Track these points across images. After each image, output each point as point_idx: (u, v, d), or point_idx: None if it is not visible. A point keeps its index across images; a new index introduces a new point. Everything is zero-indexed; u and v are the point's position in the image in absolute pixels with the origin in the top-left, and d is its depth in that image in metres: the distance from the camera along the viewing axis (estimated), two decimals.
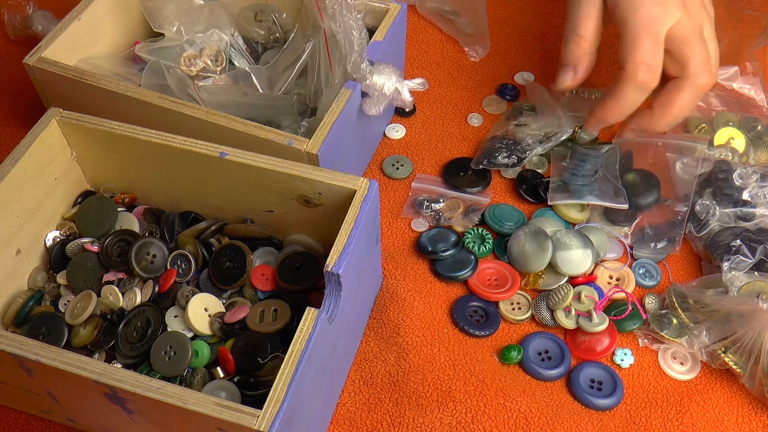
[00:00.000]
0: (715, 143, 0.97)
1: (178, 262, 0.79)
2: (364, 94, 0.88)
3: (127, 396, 0.64)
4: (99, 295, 0.78)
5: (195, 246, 0.81)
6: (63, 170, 0.84)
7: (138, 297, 0.78)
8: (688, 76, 0.85)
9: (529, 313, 0.86)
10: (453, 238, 0.90)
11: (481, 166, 0.96)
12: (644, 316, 0.84)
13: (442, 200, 0.95)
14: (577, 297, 0.84)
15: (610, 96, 0.88)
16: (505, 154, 0.95)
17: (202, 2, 1.00)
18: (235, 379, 0.73)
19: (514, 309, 0.86)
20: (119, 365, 0.74)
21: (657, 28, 0.83)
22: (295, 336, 0.64)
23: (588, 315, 0.83)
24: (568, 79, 0.91)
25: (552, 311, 0.85)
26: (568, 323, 0.83)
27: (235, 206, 0.83)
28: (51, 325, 0.76)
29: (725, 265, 0.84)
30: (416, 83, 0.92)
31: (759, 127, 0.98)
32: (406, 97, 0.90)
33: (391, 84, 0.87)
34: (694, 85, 0.86)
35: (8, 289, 0.79)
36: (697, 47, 0.84)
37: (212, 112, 0.83)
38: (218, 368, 0.74)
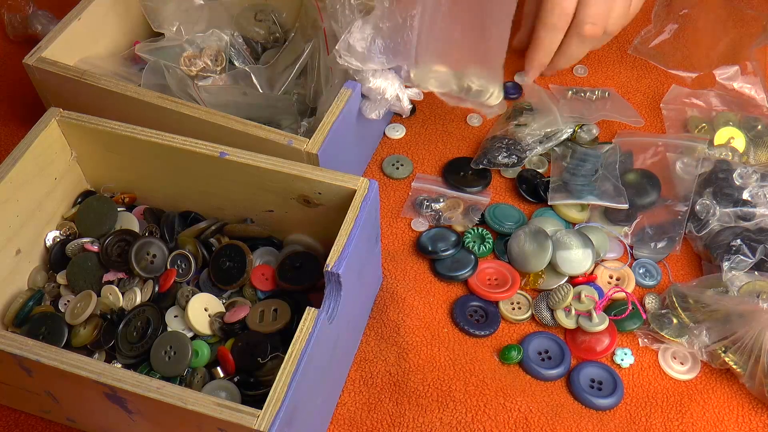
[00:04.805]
0: (716, 143, 0.97)
1: (178, 262, 0.79)
2: (363, 96, 0.88)
3: (127, 396, 0.64)
4: (99, 295, 0.78)
5: (195, 246, 0.81)
6: (63, 170, 0.84)
7: (138, 297, 0.78)
8: (574, 25, 0.96)
9: (529, 313, 0.86)
10: (453, 238, 0.90)
11: (481, 166, 0.96)
12: (644, 316, 0.84)
13: (442, 200, 0.95)
14: (577, 297, 0.84)
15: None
16: (505, 154, 0.95)
17: (202, 2, 1.00)
18: (235, 379, 0.73)
19: (514, 309, 0.86)
20: (119, 365, 0.74)
21: None
22: (295, 336, 0.64)
23: (588, 315, 0.83)
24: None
25: (552, 311, 0.85)
26: (568, 323, 0.83)
27: (235, 206, 0.83)
28: (51, 325, 0.76)
29: (725, 264, 0.84)
30: (414, 92, 0.91)
31: (759, 127, 0.98)
32: (406, 104, 0.90)
33: (393, 90, 0.87)
34: (579, 34, 0.96)
35: (8, 289, 0.79)
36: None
37: (212, 112, 0.83)
38: (218, 368, 0.74)
